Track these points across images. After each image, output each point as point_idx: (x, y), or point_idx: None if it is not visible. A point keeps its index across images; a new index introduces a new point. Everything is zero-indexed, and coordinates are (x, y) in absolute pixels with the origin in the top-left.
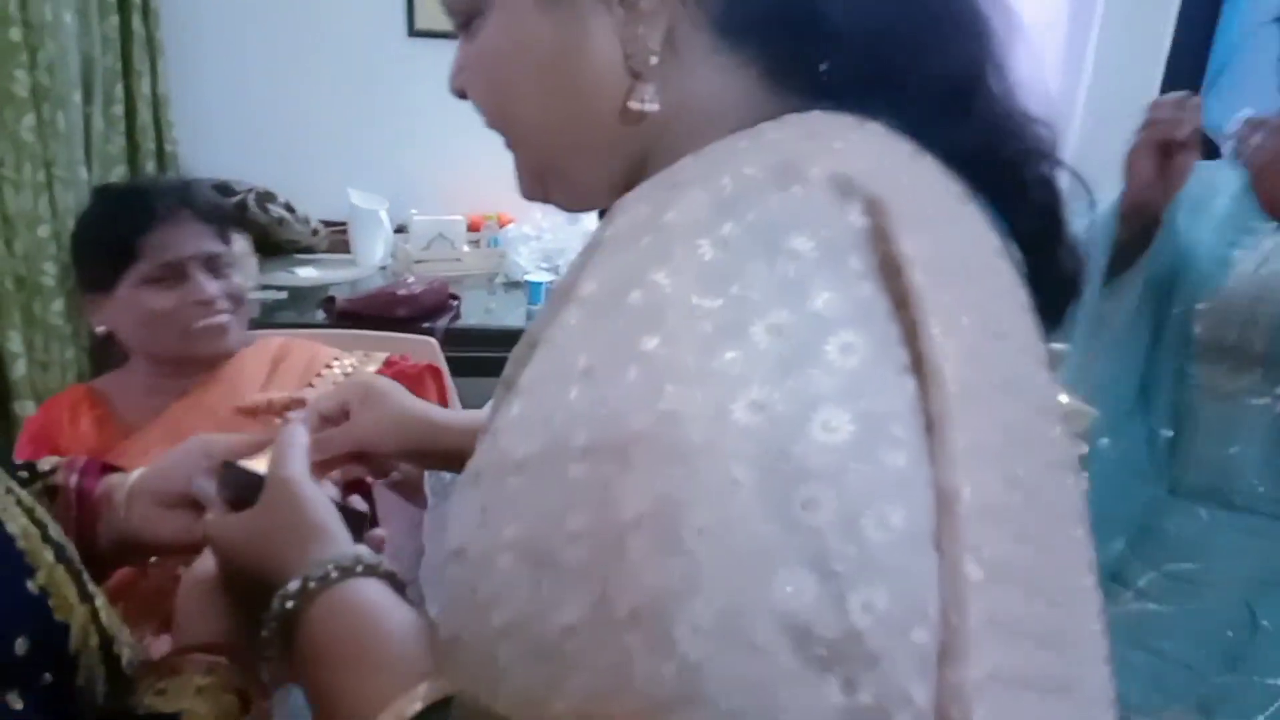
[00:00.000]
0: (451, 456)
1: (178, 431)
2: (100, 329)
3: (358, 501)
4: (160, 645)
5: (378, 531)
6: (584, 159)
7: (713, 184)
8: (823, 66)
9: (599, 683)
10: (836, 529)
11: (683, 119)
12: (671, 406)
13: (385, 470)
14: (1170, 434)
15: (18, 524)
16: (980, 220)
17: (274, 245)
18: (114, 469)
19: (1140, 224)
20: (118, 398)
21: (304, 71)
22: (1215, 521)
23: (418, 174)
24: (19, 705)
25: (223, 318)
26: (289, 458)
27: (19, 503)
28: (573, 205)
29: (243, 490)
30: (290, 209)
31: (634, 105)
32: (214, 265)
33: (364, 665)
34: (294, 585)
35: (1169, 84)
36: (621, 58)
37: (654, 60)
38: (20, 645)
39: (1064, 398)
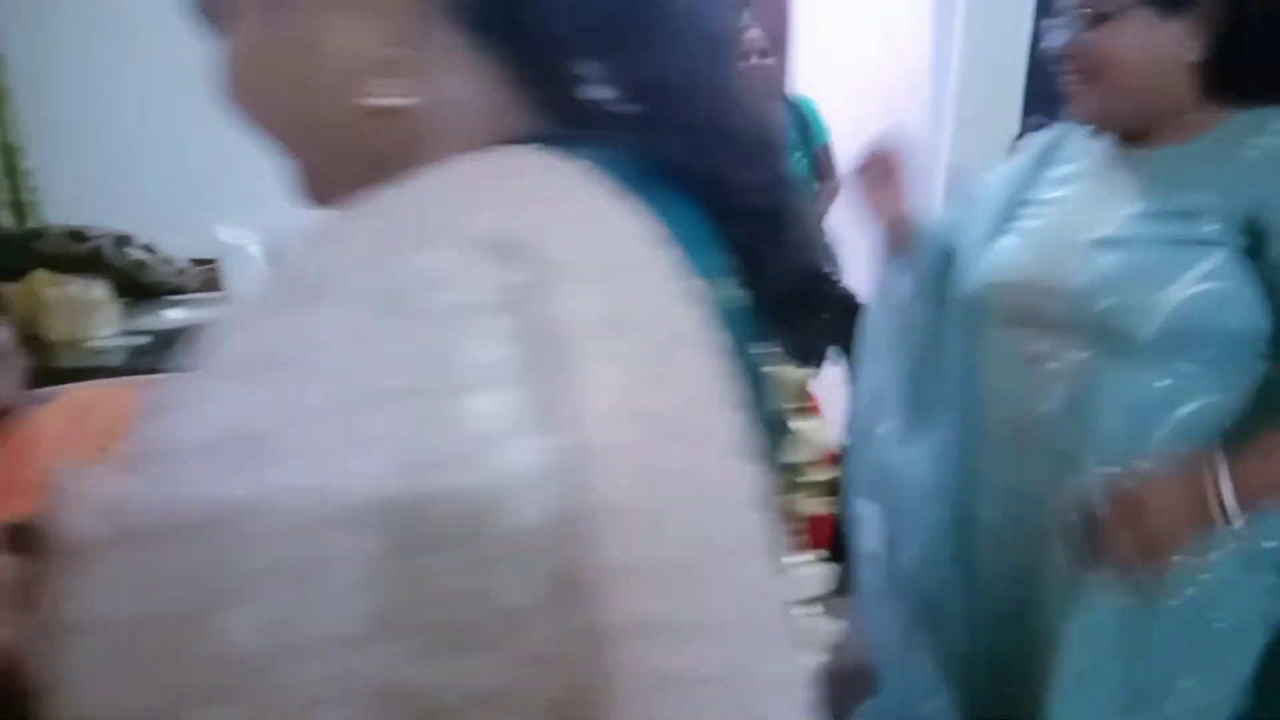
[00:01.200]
0: None
1: None
2: None
3: None
4: None
5: None
6: (336, 158)
7: (367, 239)
8: (571, 76)
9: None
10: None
11: (432, 117)
12: (240, 493)
13: None
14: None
15: None
16: (665, 266)
17: (144, 288)
18: None
19: (904, 239)
20: None
21: (159, 109)
22: None
23: (288, 202)
24: None
25: None
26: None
27: None
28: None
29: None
30: (150, 250)
31: (377, 101)
32: None
33: None
34: None
35: (1033, 79)
36: (364, 54)
37: (397, 54)
38: None
39: (787, 369)
